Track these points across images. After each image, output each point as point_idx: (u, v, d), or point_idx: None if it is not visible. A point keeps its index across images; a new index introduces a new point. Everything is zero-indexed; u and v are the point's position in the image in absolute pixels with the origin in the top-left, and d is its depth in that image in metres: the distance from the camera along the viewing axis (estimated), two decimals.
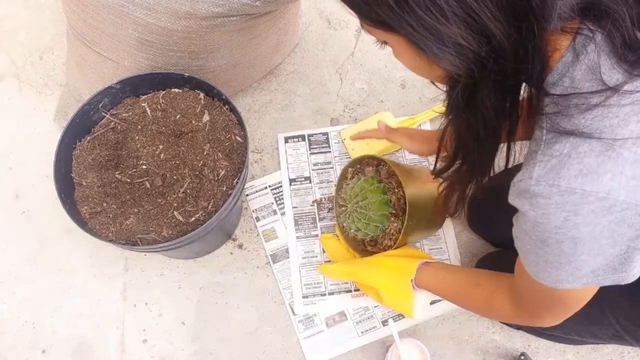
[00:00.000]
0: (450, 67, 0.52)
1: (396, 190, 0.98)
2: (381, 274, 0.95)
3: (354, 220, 1.00)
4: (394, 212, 0.98)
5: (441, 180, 0.78)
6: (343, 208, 1.03)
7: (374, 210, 0.97)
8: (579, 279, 0.57)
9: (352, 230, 1.02)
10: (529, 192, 0.53)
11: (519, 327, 1.04)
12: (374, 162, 1.05)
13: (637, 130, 0.48)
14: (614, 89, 0.49)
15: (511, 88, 0.55)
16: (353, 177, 1.06)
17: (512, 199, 0.57)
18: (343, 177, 1.09)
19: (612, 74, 0.50)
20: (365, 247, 1.05)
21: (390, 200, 0.98)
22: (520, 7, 0.48)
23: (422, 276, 0.91)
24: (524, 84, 0.57)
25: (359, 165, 1.07)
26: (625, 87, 0.49)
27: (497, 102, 0.55)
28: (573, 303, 0.64)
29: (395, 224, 0.98)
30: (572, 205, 0.50)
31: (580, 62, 0.51)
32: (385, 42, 0.59)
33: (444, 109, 0.67)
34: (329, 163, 1.20)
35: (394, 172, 0.98)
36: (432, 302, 1.07)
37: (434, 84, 0.66)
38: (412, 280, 0.92)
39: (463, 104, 0.57)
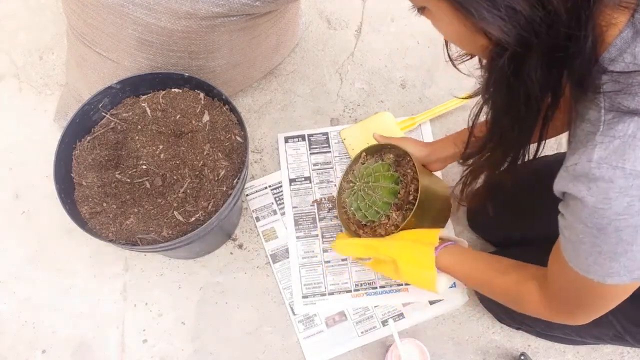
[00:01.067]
0: (500, 34, 0.49)
1: (409, 185, 0.97)
2: (401, 244, 0.90)
3: (357, 198, 0.99)
4: (398, 204, 0.97)
5: (465, 167, 0.74)
6: (351, 184, 1.02)
7: (380, 195, 0.96)
8: (630, 272, 0.54)
9: (351, 208, 1.01)
10: (588, 175, 0.50)
11: (518, 327, 1.04)
12: (396, 151, 1.03)
13: None
14: None
15: (559, 61, 0.51)
16: (369, 160, 1.05)
17: (564, 185, 0.53)
18: (357, 158, 1.08)
19: None
20: (357, 229, 1.03)
21: (399, 192, 0.97)
22: None
23: (442, 258, 0.86)
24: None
25: (380, 151, 1.06)
26: None
27: (543, 75, 0.52)
28: (613, 300, 0.61)
29: (395, 217, 0.97)
30: (638, 189, 0.47)
31: None
32: (423, 8, 0.56)
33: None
34: (329, 163, 1.20)
35: (412, 166, 0.97)
36: (432, 302, 1.07)
37: (453, 64, 0.63)
38: (435, 250, 0.86)
39: (509, 75, 0.53)
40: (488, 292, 0.86)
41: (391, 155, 1.03)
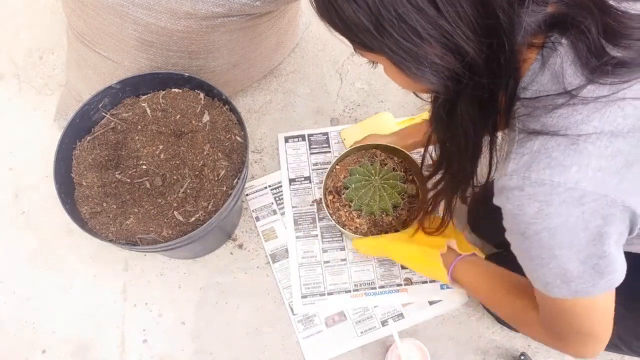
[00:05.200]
0: (429, 85, 0.57)
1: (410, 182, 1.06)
2: (410, 249, 0.97)
3: (368, 192, 1.02)
4: (404, 205, 1.04)
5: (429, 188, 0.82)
6: (365, 177, 1.03)
7: (390, 194, 1.03)
8: (567, 285, 0.58)
9: (357, 197, 1.02)
10: (505, 186, 0.57)
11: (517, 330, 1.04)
12: (384, 147, 1.09)
13: (601, 126, 0.52)
14: (572, 93, 0.53)
15: (489, 100, 0.58)
16: (365, 158, 1.10)
17: (495, 199, 0.60)
18: (347, 155, 1.10)
19: (574, 79, 0.54)
20: (347, 217, 1.07)
21: (405, 192, 1.04)
22: (491, 26, 0.51)
23: (457, 272, 0.90)
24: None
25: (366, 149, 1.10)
26: (584, 91, 0.53)
27: (475, 114, 0.60)
28: (585, 318, 0.62)
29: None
30: (544, 196, 0.53)
31: (547, 69, 0.56)
32: (376, 62, 0.63)
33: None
34: (329, 163, 1.20)
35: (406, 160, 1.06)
36: (432, 303, 1.07)
37: (417, 96, 0.70)
38: (452, 262, 0.91)
39: (444, 117, 0.62)
40: (499, 314, 0.86)
41: (383, 153, 1.10)
